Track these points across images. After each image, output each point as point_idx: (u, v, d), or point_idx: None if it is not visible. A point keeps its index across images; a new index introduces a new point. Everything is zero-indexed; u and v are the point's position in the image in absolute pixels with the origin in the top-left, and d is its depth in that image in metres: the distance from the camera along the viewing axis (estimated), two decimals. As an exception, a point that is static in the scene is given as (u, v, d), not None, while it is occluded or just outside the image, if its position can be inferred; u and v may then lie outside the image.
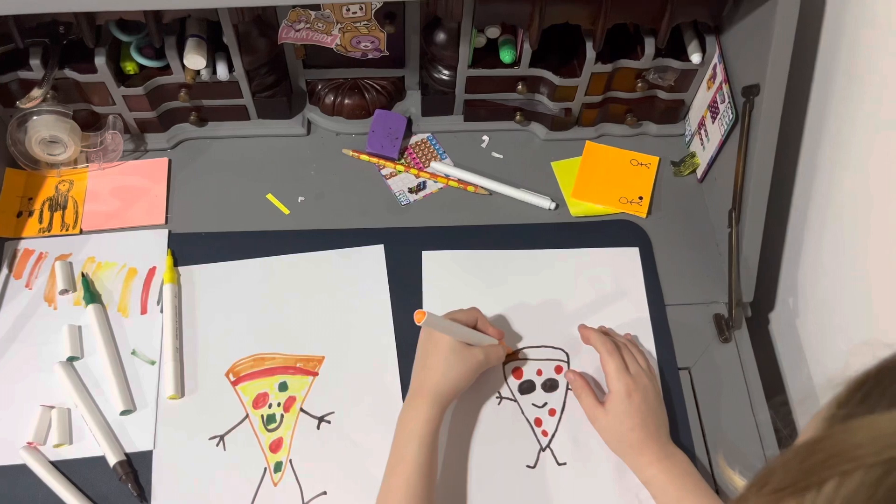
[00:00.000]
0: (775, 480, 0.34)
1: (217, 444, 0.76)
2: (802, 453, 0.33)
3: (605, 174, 0.94)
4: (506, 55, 0.88)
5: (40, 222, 0.87)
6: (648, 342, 0.83)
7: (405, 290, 0.85)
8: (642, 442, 0.72)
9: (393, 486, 0.68)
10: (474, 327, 0.76)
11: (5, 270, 0.84)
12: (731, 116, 0.84)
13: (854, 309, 0.78)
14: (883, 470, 0.30)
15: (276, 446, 0.76)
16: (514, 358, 0.81)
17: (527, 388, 0.80)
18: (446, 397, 0.72)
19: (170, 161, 0.92)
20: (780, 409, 0.82)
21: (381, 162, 0.94)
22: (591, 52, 0.85)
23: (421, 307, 0.84)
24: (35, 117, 0.85)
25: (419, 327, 0.82)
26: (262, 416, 0.78)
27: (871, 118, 0.73)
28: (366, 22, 0.84)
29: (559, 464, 0.76)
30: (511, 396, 0.79)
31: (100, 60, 0.82)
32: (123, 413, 0.77)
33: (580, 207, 0.92)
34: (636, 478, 0.73)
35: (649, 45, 0.86)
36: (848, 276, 0.79)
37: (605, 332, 0.81)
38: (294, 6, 0.81)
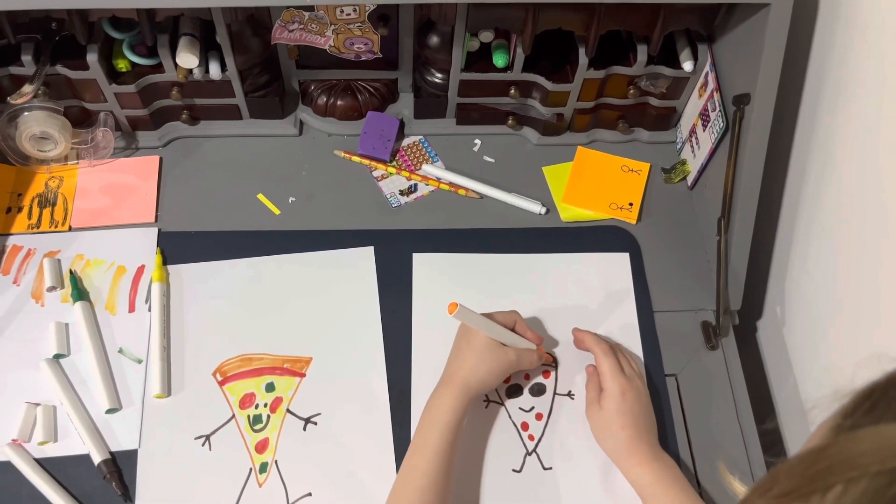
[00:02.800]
0: (779, 485, 0.34)
1: (203, 444, 0.76)
2: (808, 460, 0.34)
3: (595, 180, 0.94)
4: (499, 59, 0.88)
5: (29, 218, 0.87)
6: (636, 348, 0.83)
7: (394, 292, 0.85)
8: (632, 441, 0.73)
9: (413, 469, 0.69)
10: (513, 329, 0.77)
11: (-7, 266, 0.84)
12: (721, 125, 0.84)
13: (841, 318, 0.78)
14: (888, 479, 0.30)
15: (261, 447, 0.76)
16: (550, 363, 0.81)
17: (514, 391, 0.80)
18: (473, 390, 0.73)
19: (161, 159, 0.92)
20: (770, 432, 0.82)
21: (373, 164, 0.94)
22: (583, 59, 0.85)
23: (410, 310, 0.84)
24: (26, 113, 0.84)
25: (407, 330, 0.82)
26: (249, 416, 0.77)
27: (861, 128, 0.74)
28: (359, 24, 0.84)
29: (545, 468, 0.76)
30: (498, 400, 0.80)
31: (92, 57, 0.81)
32: (109, 411, 0.77)
33: (570, 212, 0.92)
34: (623, 484, 0.74)
35: (642, 52, 0.86)
36: (835, 285, 0.79)
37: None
38: (288, 7, 0.81)
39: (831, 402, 0.37)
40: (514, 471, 0.76)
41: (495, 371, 0.74)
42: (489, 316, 0.76)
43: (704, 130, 0.89)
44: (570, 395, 0.80)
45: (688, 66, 0.88)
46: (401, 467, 0.70)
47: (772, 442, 0.85)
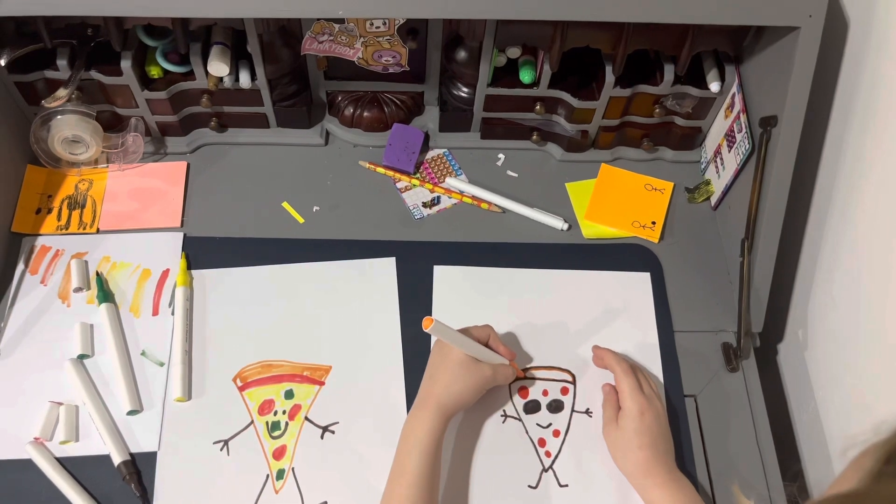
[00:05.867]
0: None
1: (221, 449, 0.76)
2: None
3: (618, 197, 0.94)
4: (525, 75, 0.88)
5: (58, 220, 0.88)
6: (656, 367, 0.83)
7: (415, 303, 0.85)
8: (649, 461, 0.72)
9: (395, 496, 0.68)
10: (486, 344, 0.77)
11: (21, 266, 0.85)
12: (747, 146, 0.84)
13: (864, 344, 0.78)
14: None
15: (279, 454, 0.76)
16: (524, 378, 0.81)
17: (532, 407, 0.80)
18: (450, 409, 0.72)
19: (188, 165, 0.94)
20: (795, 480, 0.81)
21: (397, 175, 0.94)
22: (610, 77, 0.86)
23: (430, 319, 0.84)
24: (59, 116, 0.86)
25: (427, 341, 0.82)
26: (267, 422, 0.78)
27: (890, 154, 0.73)
28: (388, 37, 0.85)
29: (561, 485, 0.76)
30: (516, 415, 0.80)
31: (125, 64, 0.83)
32: (130, 413, 0.77)
33: (593, 229, 0.92)
34: (639, 503, 0.73)
35: (669, 71, 0.86)
36: (859, 310, 0.78)
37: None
38: (319, 18, 0.82)
39: (870, 438, 0.36)
40: (529, 487, 0.76)
41: (470, 388, 0.73)
42: (463, 331, 0.75)
43: (730, 151, 0.89)
44: (588, 412, 0.80)
45: (714, 86, 0.88)
46: (383, 494, 0.69)
47: (792, 470, 0.84)
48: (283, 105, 0.93)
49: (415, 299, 0.85)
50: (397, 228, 0.91)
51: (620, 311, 0.86)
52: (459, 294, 0.86)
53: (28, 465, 0.74)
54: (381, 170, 0.94)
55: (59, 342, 0.81)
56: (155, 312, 0.83)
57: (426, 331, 0.69)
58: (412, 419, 0.72)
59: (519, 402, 0.80)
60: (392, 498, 0.68)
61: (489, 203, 0.93)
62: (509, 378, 0.78)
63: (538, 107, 0.92)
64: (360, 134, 0.97)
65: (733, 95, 0.88)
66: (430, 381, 0.74)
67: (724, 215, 0.93)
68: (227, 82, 0.87)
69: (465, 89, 0.93)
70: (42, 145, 0.88)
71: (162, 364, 0.80)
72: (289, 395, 0.79)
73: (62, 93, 0.83)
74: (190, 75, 0.87)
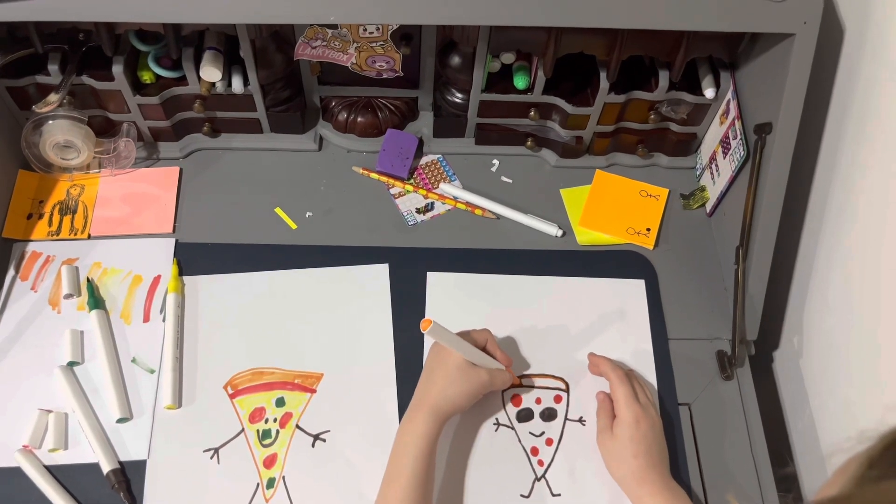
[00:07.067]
0: None
1: (211, 457, 0.76)
2: None
3: (613, 204, 0.94)
4: (519, 81, 0.88)
5: (49, 225, 0.88)
6: (650, 375, 0.83)
7: (408, 310, 0.85)
8: (644, 470, 0.72)
9: (389, 498, 0.68)
10: (483, 349, 0.76)
11: (12, 272, 0.85)
12: (742, 153, 0.84)
13: (859, 352, 0.77)
14: None
15: (269, 462, 0.76)
16: (518, 386, 0.81)
17: (525, 416, 0.79)
18: (445, 412, 0.72)
19: (181, 170, 0.93)
20: (787, 478, 0.81)
21: (391, 181, 0.94)
22: (604, 83, 0.85)
23: (423, 328, 0.83)
24: (50, 121, 0.85)
25: (420, 348, 0.82)
26: (258, 430, 0.77)
27: (884, 160, 0.73)
28: (382, 42, 0.85)
29: (554, 494, 0.76)
30: (509, 423, 0.79)
31: (117, 69, 0.82)
32: (120, 421, 0.77)
33: (587, 236, 0.91)
34: (632, 513, 0.73)
35: (663, 77, 0.86)
36: (854, 318, 0.78)
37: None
38: (312, 24, 0.81)
39: (855, 445, 0.36)
40: (522, 496, 0.75)
41: (466, 392, 0.73)
42: (462, 334, 0.75)
43: (725, 158, 0.88)
44: (581, 420, 0.79)
45: (709, 93, 0.88)
46: (377, 497, 0.69)
47: (786, 477, 0.84)
48: (277, 110, 0.92)
49: (408, 306, 0.85)
50: (391, 234, 0.90)
51: (614, 319, 0.86)
52: (453, 301, 0.86)
53: (17, 472, 0.74)
54: (374, 175, 0.94)
55: (48, 349, 0.80)
56: (146, 319, 0.83)
57: (424, 332, 0.69)
58: (407, 422, 0.72)
59: (512, 410, 0.80)
60: (386, 501, 0.68)
61: (483, 209, 0.92)
62: (506, 383, 0.78)
63: (532, 113, 0.91)
64: (353, 139, 0.96)
65: (728, 102, 0.88)
66: (427, 384, 0.74)
67: (719, 222, 0.92)
68: (220, 87, 0.87)
69: (459, 95, 0.93)
70: (33, 150, 0.88)
71: (152, 371, 0.80)
72: (280, 402, 0.79)
73: (53, 98, 0.83)
74: (182, 80, 0.87)
